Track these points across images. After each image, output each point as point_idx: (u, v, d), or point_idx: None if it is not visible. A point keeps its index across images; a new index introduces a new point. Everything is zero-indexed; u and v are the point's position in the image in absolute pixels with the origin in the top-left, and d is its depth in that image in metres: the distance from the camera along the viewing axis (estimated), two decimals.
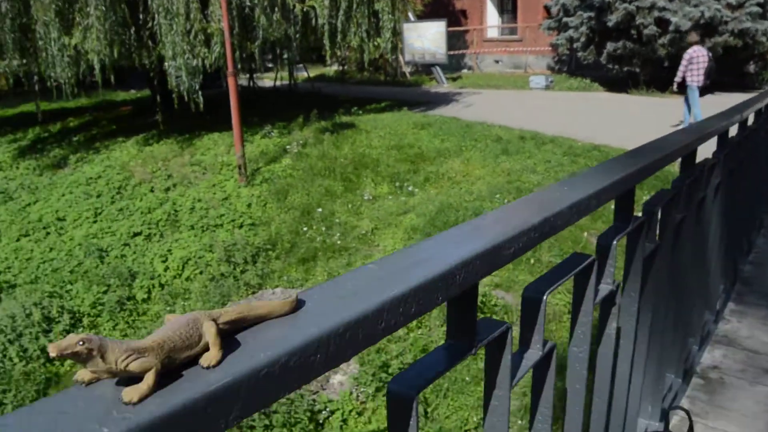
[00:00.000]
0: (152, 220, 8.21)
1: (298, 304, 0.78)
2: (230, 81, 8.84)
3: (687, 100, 10.30)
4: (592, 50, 17.19)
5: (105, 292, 6.75)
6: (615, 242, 1.32)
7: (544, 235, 1.01)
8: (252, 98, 14.52)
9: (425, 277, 0.79)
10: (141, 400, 0.57)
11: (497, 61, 23.88)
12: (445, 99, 15.81)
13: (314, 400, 4.26)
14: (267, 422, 3.94)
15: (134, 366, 0.62)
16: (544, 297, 1.04)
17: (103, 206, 8.84)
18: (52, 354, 0.56)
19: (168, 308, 6.53)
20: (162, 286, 6.97)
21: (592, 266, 1.20)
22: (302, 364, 0.66)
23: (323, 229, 7.61)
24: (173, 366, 0.65)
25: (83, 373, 0.63)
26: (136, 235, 7.97)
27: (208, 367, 0.63)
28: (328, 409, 4.22)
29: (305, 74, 19.64)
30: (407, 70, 21.40)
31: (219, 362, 0.64)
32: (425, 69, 21.53)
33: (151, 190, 9.22)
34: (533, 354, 1.07)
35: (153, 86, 13.27)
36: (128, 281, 6.93)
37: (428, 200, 7.92)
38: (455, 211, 7.36)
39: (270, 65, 20.16)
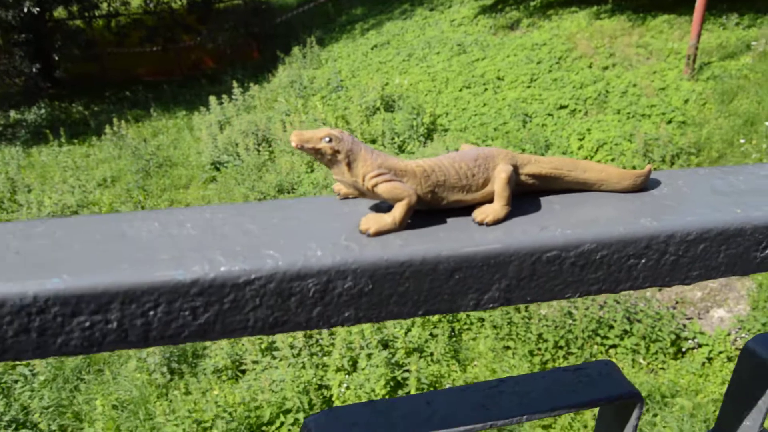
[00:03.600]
0: (581, 96, 8.14)
1: (647, 182, 0.58)
2: None
3: None
4: None
5: None
6: None
7: None
8: None
9: None
10: (378, 233, 0.46)
11: None
12: None
13: (684, 326, 3.91)
14: (627, 327, 3.79)
15: (383, 189, 0.49)
16: None
17: (540, 73, 9.07)
18: (293, 142, 0.50)
19: None
20: None
21: None
22: (618, 263, 0.48)
23: (764, 146, 6.57)
24: (439, 206, 0.52)
25: (342, 186, 0.56)
26: (562, 107, 8.04)
27: (481, 223, 0.50)
28: (696, 340, 3.83)
29: None
30: None
31: (498, 221, 0.50)
32: None
33: (589, 66, 9.07)
34: None
35: None
36: (542, 150, 7.14)
37: None
38: None
39: None
